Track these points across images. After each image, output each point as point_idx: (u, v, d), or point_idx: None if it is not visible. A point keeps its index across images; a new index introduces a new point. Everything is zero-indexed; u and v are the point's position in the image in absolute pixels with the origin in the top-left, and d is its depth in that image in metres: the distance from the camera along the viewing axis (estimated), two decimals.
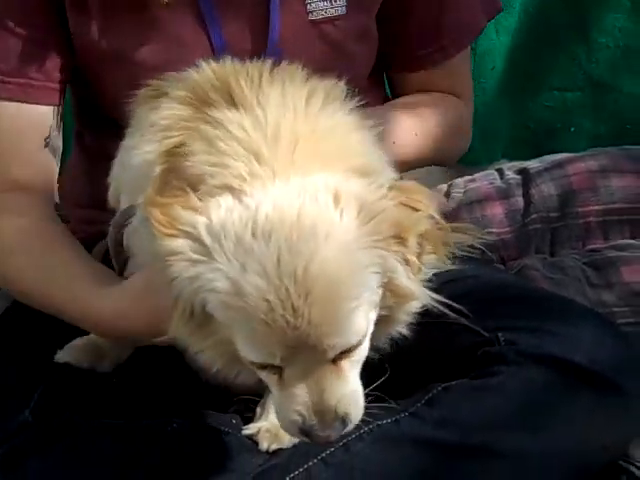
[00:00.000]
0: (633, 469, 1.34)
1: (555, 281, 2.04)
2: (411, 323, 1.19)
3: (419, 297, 1.08)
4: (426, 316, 1.41)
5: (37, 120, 1.47)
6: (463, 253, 1.56)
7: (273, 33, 1.45)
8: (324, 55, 1.44)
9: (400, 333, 1.14)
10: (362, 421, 1.23)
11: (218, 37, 1.43)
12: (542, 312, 1.34)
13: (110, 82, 1.47)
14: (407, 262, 1.06)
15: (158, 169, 1.14)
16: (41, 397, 1.30)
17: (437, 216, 1.06)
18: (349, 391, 1.06)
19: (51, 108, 1.48)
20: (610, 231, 2.25)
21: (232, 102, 1.12)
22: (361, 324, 1.04)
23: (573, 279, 2.06)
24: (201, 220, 1.02)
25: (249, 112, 1.10)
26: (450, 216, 1.67)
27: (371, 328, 1.07)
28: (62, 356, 1.35)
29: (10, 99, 1.45)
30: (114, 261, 1.33)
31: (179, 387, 1.43)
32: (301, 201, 1.01)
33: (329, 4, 1.50)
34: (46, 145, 1.48)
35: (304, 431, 1.05)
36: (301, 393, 1.04)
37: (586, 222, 2.24)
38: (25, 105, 1.46)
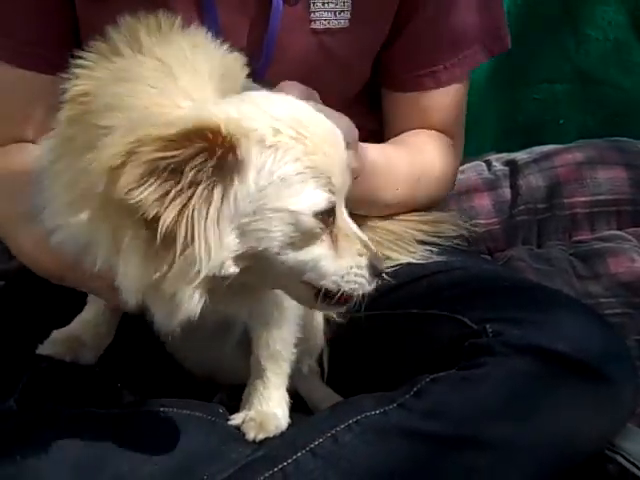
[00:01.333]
0: (619, 458, 1.35)
1: (542, 272, 2.05)
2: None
3: None
4: (416, 307, 1.42)
5: (51, 88, 1.45)
6: (450, 244, 1.57)
7: (271, 35, 1.43)
8: (319, 62, 1.42)
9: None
10: (350, 412, 1.26)
11: (214, 25, 1.40)
12: (528, 303, 1.35)
13: None
14: None
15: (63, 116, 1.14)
16: (26, 386, 1.29)
17: None
18: None
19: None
20: (597, 222, 2.26)
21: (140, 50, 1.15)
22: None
23: (560, 270, 2.07)
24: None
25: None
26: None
27: None
28: (43, 350, 1.35)
29: (24, 67, 1.45)
30: None
31: (163, 376, 1.43)
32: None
33: (332, 15, 1.48)
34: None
35: (372, 265, 1.12)
36: (354, 239, 1.12)
37: (573, 213, 2.26)
38: (38, 74, 1.44)
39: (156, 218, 1.01)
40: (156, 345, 1.43)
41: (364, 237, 1.15)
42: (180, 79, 1.11)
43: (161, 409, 1.30)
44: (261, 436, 1.30)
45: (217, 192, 1.03)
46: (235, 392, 1.41)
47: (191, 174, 1.00)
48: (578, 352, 1.28)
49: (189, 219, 1.01)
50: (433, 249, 1.54)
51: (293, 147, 1.07)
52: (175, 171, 1.00)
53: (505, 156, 2.37)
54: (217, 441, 1.28)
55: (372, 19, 1.52)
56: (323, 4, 1.48)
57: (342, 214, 1.12)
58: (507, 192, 2.28)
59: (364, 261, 1.12)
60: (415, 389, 1.27)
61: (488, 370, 1.27)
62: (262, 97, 1.12)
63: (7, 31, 1.45)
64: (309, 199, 1.07)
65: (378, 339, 1.45)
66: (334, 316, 1.44)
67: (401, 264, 1.50)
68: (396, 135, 1.60)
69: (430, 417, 1.24)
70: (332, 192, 1.09)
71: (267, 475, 1.21)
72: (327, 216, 1.09)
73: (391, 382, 1.30)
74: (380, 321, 1.45)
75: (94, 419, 1.27)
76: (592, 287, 2.01)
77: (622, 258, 2.08)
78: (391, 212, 1.55)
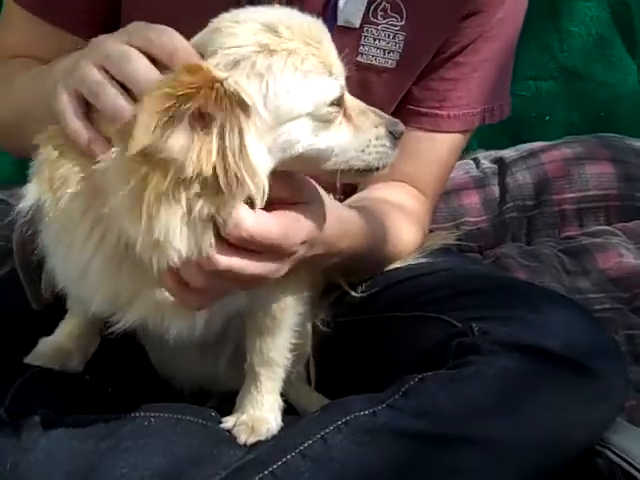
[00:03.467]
0: (608, 453, 1.35)
1: (531, 269, 2.06)
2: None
3: None
4: (401, 309, 1.42)
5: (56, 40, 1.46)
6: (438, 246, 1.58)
7: None
8: (353, 93, 1.40)
9: None
10: (339, 413, 1.26)
11: None
12: (515, 301, 1.35)
13: None
14: None
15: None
16: (15, 395, 1.29)
17: None
18: None
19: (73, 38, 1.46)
20: (585, 218, 2.27)
21: None
22: None
23: (549, 267, 2.08)
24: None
25: None
26: None
27: None
28: (30, 360, 1.35)
29: (52, 23, 1.47)
30: (22, 277, 1.29)
31: (154, 381, 1.44)
32: None
33: (381, 53, 1.48)
34: None
35: (391, 132, 1.17)
36: (367, 113, 1.17)
37: (561, 210, 2.27)
38: (64, 32, 1.46)
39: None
40: (145, 350, 1.44)
41: (375, 109, 1.18)
42: None
43: (152, 414, 1.30)
44: (252, 439, 1.30)
45: (236, 130, 1.05)
46: (227, 396, 1.41)
47: (211, 119, 1.04)
48: (566, 348, 1.28)
49: (223, 161, 1.04)
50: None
51: (285, 57, 1.09)
52: (193, 120, 1.03)
53: (493, 154, 2.38)
54: (208, 445, 1.28)
55: (417, 62, 1.51)
56: (374, 40, 1.47)
57: (348, 95, 1.17)
58: (495, 190, 2.29)
59: (382, 130, 1.17)
60: (403, 389, 1.26)
61: (476, 369, 1.27)
62: (228, 23, 1.13)
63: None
64: (321, 93, 1.11)
65: (364, 342, 1.45)
66: (319, 325, 1.44)
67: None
68: None
69: (419, 417, 1.24)
70: (337, 78, 1.13)
71: (257, 478, 1.20)
72: (338, 101, 1.14)
73: (380, 385, 1.30)
74: (366, 324, 1.45)
75: (85, 426, 1.27)
76: (581, 283, 2.03)
77: (610, 253, 2.09)
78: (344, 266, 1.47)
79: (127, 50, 1.10)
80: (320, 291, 1.46)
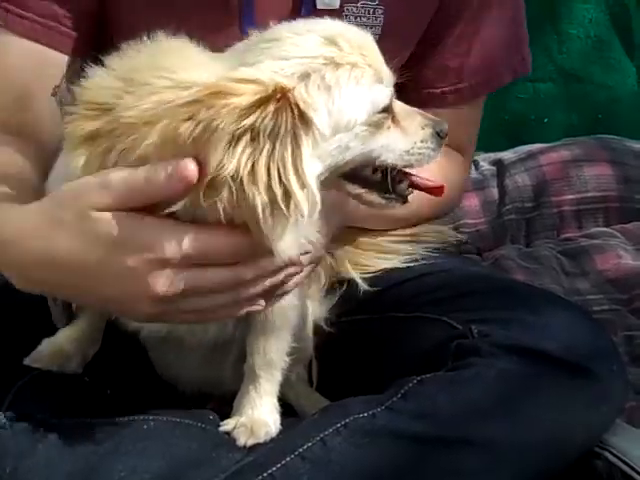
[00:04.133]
0: (607, 454, 1.35)
1: (531, 271, 2.06)
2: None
3: None
4: (401, 310, 1.42)
5: (49, 63, 1.41)
6: (438, 247, 1.58)
7: None
8: None
9: None
10: (338, 415, 1.26)
11: (251, 27, 1.30)
12: (515, 303, 1.35)
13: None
14: None
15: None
16: (14, 399, 1.29)
17: None
18: None
19: (65, 58, 1.42)
20: (584, 220, 2.27)
21: None
22: None
23: (548, 268, 2.08)
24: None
25: None
26: None
27: None
28: (29, 361, 1.34)
29: (25, 36, 1.40)
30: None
31: (153, 383, 1.43)
32: None
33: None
34: (54, 94, 1.42)
35: (436, 133, 1.21)
36: (414, 116, 1.22)
37: (560, 211, 2.27)
38: (38, 45, 1.41)
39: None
40: (146, 352, 1.43)
41: (421, 111, 1.23)
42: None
43: (151, 417, 1.29)
44: (251, 442, 1.29)
45: (295, 142, 1.06)
46: (226, 399, 1.41)
47: (268, 135, 1.03)
48: (566, 351, 1.28)
49: (278, 175, 1.04)
50: (417, 253, 1.54)
51: (350, 70, 1.13)
52: (254, 137, 1.03)
53: (492, 156, 2.39)
54: (207, 448, 1.28)
55: (402, 34, 1.50)
56: (355, 18, 1.47)
57: (395, 100, 1.20)
58: (494, 192, 2.29)
59: (428, 131, 1.21)
60: (403, 391, 1.27)
61: (476, 371, 1.27)
62: (288, 33, 1.14)
63: (24, 5, 1.40)
64: (373, 101, 1.14)
65: (364, 343, 1.45)
66: (323, 325, 1.44)
67: (385, 269, 1.51)
68: None
69: (418, 419, 1.24)
70: (387, 86, 1.17)
71: None
72: (387, 107, 1.17)
73: (379, 386, 1.30)
74: (366, 325, 1.45)
75: (84, 429, 1.26)
76: (580, 284, 2.03)
77: (609, 255, 2.09)
78: (397, 226, 1.55)
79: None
80: (323, 291, 1.46)
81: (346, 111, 1.12)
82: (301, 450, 1.23)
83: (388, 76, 1.18)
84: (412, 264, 1.52)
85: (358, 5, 1.47)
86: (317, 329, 1.45)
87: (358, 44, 1.15)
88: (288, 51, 1.11)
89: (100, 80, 1.12)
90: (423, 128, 1.21)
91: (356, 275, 1.48)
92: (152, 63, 1.11)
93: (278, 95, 1.03)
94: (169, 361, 1.42)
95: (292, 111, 1.05)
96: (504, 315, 1.32)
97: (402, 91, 1.32)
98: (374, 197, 1.22)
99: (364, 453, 1.23)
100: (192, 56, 1.14)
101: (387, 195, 1.22)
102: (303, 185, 1.05)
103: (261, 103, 1.02)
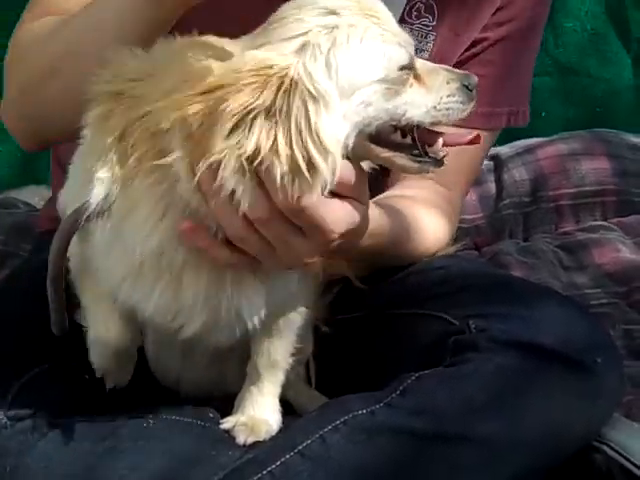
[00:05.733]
0: (606, 448, 1.36)
1: (529, 265, 2.06)
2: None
3: None
4: (399, 306, 1.43)
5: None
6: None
7: None
8: None
9: None
10: (337, 412, 1.27)
11: None
12: (511, 298, 1.35)
13: None
14: None
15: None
16: (14, 398, 1.29)
17: None
18: None
19: None
20: (581, 213, 2.28)
21: None
22: None
23: (546, 263, 2.08)
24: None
25: None
26: None
27: None
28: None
29: None
30: (51, 293, 1.24)
31: (154, 382, 1.43)
32: None
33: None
34: None
35: (464, 86, 1.19)
36: (438, 71, 1.20)
37: (558, 205, 2.27)
38: None
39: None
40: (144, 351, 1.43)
41: (447, 67, 1.22)
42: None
43: (151, 415, 1.30)
44: (251, 440, 1.29)
45: (308, 115, 1.08)
46: (228, 397, 1.41)
47: (282, 109, 1.07)
48: (563, 345, 1.28)
49: (298, 145, 1.07)
50: None
51: (347, 30, 1.13)
52: (268, 114, 1.07)
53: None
54: (207, 446, 1.28)
55: (443, 63, 1.51)
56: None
57: (418, 59, 1.20)
58: (492, 186, 2.30)
59: (454, 85, 1.19)
60: (401, 387, 1.27)
61: (474, 366, 1.27)
62: (292, 10, 1.16)
63: None
64: (390, 59, 1.14)
65: (362, 340, 1.45)
66: (320, 326, 1.45)
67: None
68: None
69: (417, 415, 1.25)
70: (401, 44, 1.16)
71: (256, 478, 1.21)
72: (409, 65, 1.17)
73: (377, 382, 1.30)
74: (363, 323, 1.45)
75: (84, 428, 1.27)
76: (578, 278, 2.03)
77: (607, 248, 2.10)
78: (361, 258, 1.48)
79: None
80: (320, 291, 1.46)
81: (353, 69, 1.12)
82: (300, 447, 1.23)
83: (403, 35, 1.18)
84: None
85: (413, 27, 1.50)
86: (314, 328, 1.45)
87: (364, 11, 1.15)
88: (291, 29, 1.13)
89: (132, 58, 1.19)
90: (449, 82, 1.19)
91: (351, 274, 1.48)
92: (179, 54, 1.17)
93: (280, 74, 1.08)
94: (172, 366, 1.41)
95: (295, 86, 1.08)
96: (501, 310, 1.32)
97: None
98: (406, 161, 1.20)
99: (363, 449, 1.23)
100: (212, 42, 1.19)
101: (419, 158, 1.20)
102: (325, 151, 1.08)
103: (265, 85, 1.07)
